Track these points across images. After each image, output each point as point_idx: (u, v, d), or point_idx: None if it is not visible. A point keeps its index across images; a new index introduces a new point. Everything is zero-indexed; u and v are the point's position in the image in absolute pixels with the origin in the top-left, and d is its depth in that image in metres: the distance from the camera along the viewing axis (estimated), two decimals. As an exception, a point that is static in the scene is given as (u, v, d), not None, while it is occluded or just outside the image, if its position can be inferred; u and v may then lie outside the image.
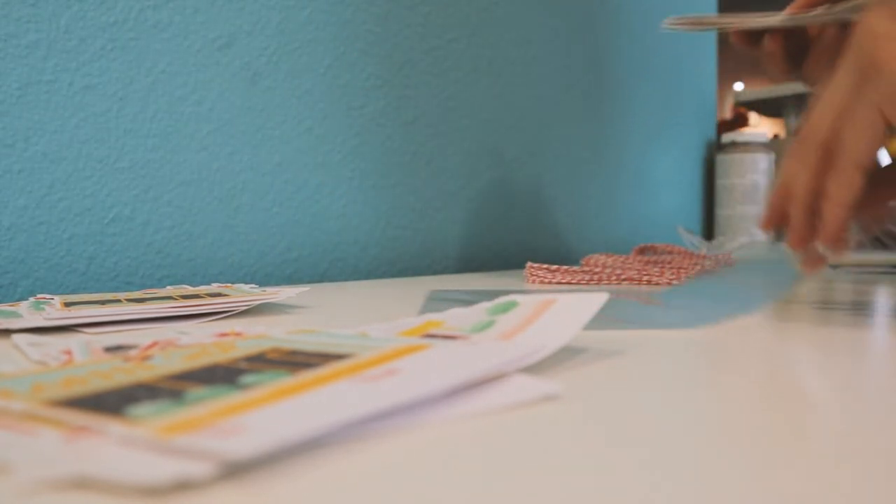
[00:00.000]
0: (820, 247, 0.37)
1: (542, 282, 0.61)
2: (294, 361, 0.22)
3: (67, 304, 0.38)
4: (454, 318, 0.30)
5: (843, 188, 0.33)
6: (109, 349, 0.27)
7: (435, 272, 0.75)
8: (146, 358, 0.23)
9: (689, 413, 0.20)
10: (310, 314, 0.40)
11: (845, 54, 0.34)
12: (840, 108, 0.33)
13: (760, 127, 2.11)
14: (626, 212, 1.12)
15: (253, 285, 0.47)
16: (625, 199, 1.12)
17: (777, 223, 0.40)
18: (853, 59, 0.33)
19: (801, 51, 0.44)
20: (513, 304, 0.29)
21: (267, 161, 0.61)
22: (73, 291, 0.51)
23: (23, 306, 0.38)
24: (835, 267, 0.78)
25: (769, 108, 1.64)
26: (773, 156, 1.33)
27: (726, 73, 2.14)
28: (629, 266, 0.64)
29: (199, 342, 0.27)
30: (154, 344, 0.27)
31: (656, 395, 0.22)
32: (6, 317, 0.35)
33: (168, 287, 0.49)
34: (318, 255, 0.65)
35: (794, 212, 0.37)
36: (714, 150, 1.44)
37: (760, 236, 1.10)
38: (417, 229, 0.73)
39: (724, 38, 1.45)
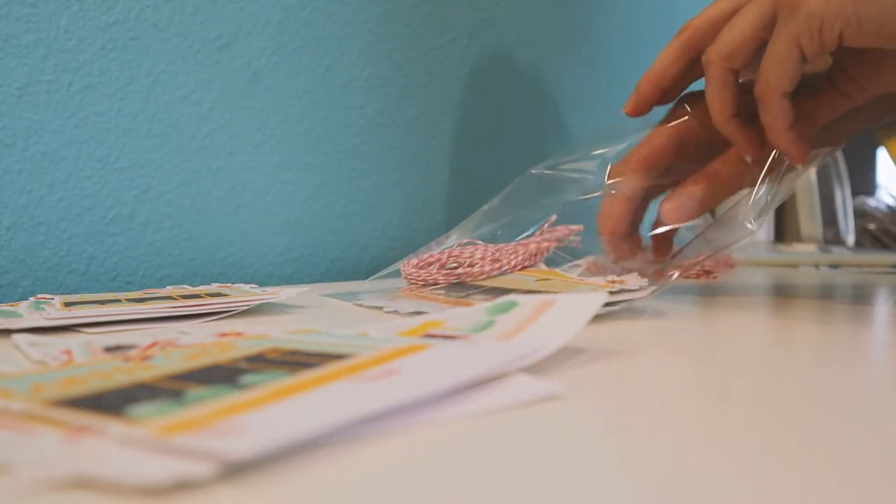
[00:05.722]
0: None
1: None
2: (294, 361, 0.22)
3: (67, 304, 0.38)
4: (454, 318, 0.30)
5: (778, 118, 0.36)
6: (109, 349, 0.27)
7: (435, 272, 0.75)
8: (146, 358, 0.23)
9: (691, 413, 0.20)
10: (310, 314, 0.40)
11: None
12: (751, 38, 0.37)
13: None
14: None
15: (253, 285, 0.47)
16: (625, 199, 1.11)
17: (649, 107, 0.46)
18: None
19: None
20: (513, 304, 0.29)
21: (267, 161, 0.61)
22: (73, 291, 0.50)
23: (23, 306, 0.38)
24: (834, 267, 0.78)
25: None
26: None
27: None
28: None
29: (199, 342, 0.27)
30: (154, 344, 0.27)
31: (657, 394, 0.22)
32: (6, 317, 0.35)
33: (168, 287, 0.49)
34: (318, 255, 0.65)
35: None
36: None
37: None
38: (417, 229, 0.73)
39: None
